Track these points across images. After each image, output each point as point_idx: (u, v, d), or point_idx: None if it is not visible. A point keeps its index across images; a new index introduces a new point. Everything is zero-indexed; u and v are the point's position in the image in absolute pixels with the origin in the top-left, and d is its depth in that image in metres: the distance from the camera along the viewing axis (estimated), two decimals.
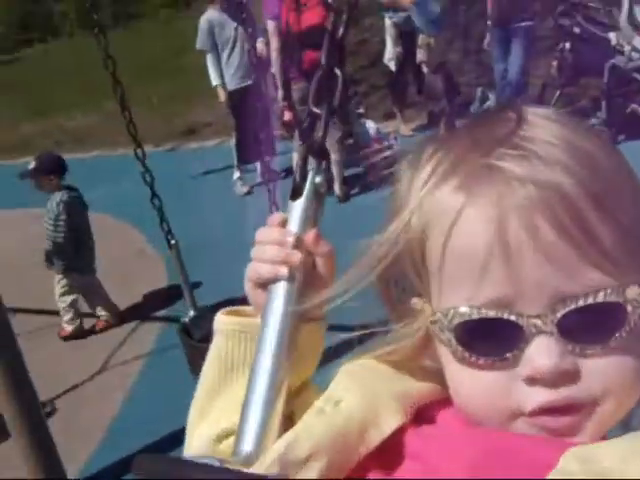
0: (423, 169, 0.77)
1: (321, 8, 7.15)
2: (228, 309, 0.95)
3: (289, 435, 0.76)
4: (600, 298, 0.68)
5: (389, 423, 0.76)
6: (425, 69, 8.83)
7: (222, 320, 0.94)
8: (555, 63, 8.04)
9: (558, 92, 8.44)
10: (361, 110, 8.60)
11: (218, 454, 0.84)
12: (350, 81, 11.20)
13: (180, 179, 9.48)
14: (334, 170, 7.67)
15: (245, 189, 8.62)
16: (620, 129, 7.66)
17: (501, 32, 8.15)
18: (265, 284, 0.87)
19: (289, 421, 0.83)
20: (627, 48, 7.39)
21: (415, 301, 0.78)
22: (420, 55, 8.70)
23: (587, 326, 0.69)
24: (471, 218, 0.70)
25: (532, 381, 0.70)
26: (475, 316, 0.71)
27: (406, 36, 8.89)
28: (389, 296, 0.83)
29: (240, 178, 8.69)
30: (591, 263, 0.68)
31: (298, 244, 0.86)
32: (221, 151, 10.12)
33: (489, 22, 8.35)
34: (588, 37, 7.63)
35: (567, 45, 7.81)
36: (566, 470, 0.65)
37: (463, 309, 0.71)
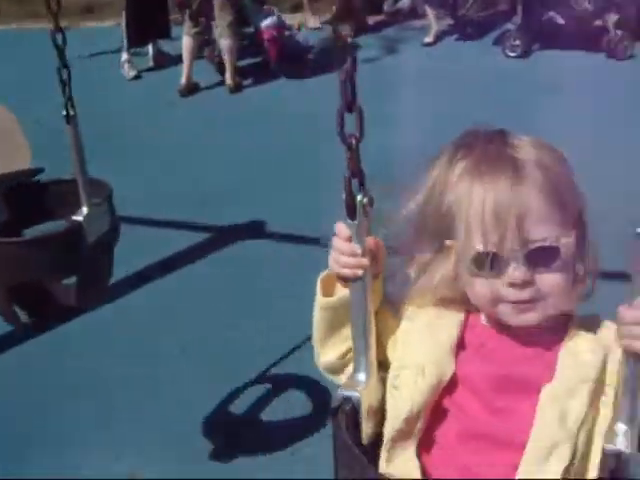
0: (456, 167, 1.30)
1: None
2: (321, 282, 1.37)
3: (403, 406, 1.30)
4: (547, 243, 1.24)
5: (452, 368, 1.31)
6: None
7: (323, 301, 1.37)
8: None
9: None
10: None
11: (346, 366, 1.39)
12: None
13: (70, 59, 8.69)
14: (225, 57, 7.05)
15: (133, 73, 7.92)
16: (535, 37, 7.20)
17: None
18: (348, 274, 1.30)
19: (378, 336, 1.36)
20: None
21: (449, 242, 1.30)
22: None
23: (540, 257, 1.25)
24: (486, 199, 1.24)
25: (511, 285, 1.26)
26: (482, 250, 1.25)
27: None
28: (426, 247, 1.34)
29: (129, 61, 7.97)
30: (546, 224, 1.25)
31: (364, 252, 1.27)
32: (118, 32, 9.37)
33: None
34: None
35: None
36: (564, 364, 1.28)
37: (477, 246, 1.25)
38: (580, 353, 1.28)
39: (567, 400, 1.25)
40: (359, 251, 1.27)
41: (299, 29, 7.83)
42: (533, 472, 1.22)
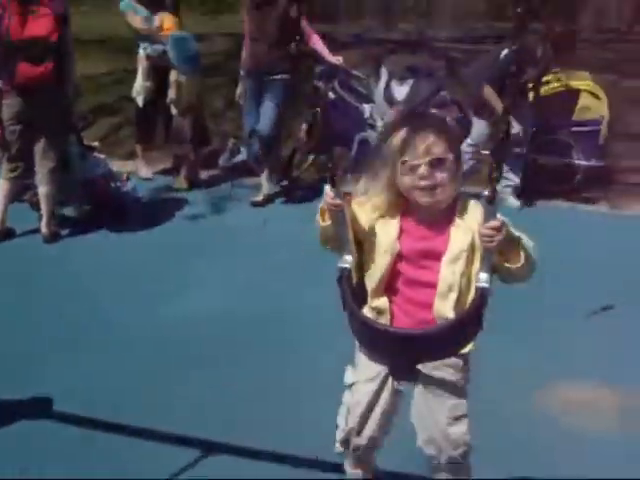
0: (400, 133, 2.58)
1: (50, 19, 6.25)
2: (320, 213, 2.57)
3: (376, 274, 2.62)
4: (441, 156, 2.50)
5: (397, 248, 2.57)
6: (174, 110, 8.07)
7: (323, 224, 2.56)
8: (304, 126, 7.52)
9: (312, 157, 7.94)
10: (95, 144, 7.65)
11: (339, 250, 2.63)
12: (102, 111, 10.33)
13: None
14: (42, 205, 6.69)
15: None
16: None
17: (254, 83, 7.51)
18: (333, 207, 2.48)
19: (354, 232, 2.64)
20: (379, 123, 7.02)
21: (392, 162, 2.58)
22: (171, 94, 7.95)
23: (436, 164, 2.49)
24: (408, 143, 2.53)
25: (420, 178, 2.49)
26: (406, 159, 2.51)
27: (159, 72, 8.12)
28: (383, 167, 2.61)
29: None
30: (439, 148, 2.50)
31: (344, 201, 2.48)
32: None
33: (242, 71, 7.68)
34: (342, 105, 7.16)
35: (319, 109, 7.30)
36: (452, 240, 2.53)
37: (404, 158, 2.52)
38: (459, 234, 2.51)
39: (455, 262, 2.49)
40: (339, 201, 2.47)
41: (128, 179, 7.56)
42: (442, 300, 2.51)
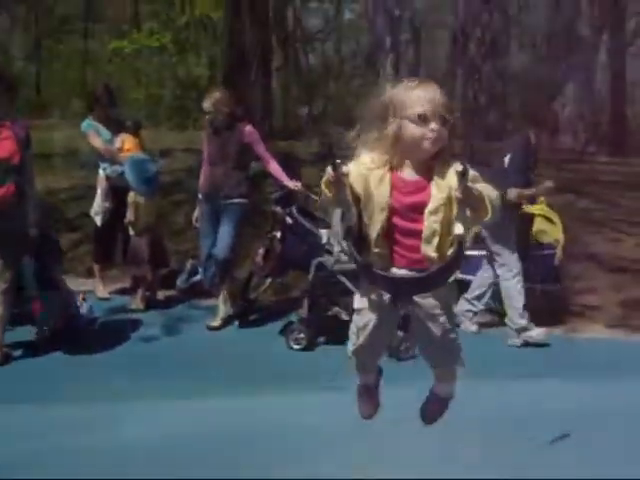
0: (407, 84, 3.01)
1: (12, 142, 6.32)
2: (324, 184, 2.94)
3: (375, 228, 3.02)
4: (446, 116, 2.90)
5: (389, 203, 2.99)
6: (132, 231, 8.10)
7: (328, 194, 2.95)
8: (261, 250, 7.56)
9: (269, 280, 7.91)
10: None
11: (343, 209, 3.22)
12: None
13: None
14: None
15: None
16: (319, 331, 7.21)
17: (211, 206, 7.59)
18: (335, 183, 2.88)
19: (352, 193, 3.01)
20: (337, 249, 7.01)
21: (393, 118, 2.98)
22: (129, 215, 8.00)
23: (442, 120, 2.89)
24: (420, 99, 2.92)
25: (431, 131, 2.88)
26: (421, 111, 2.89)
27: (118, 192, 8.20)
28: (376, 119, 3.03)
29: None
30: (446, 110, 2.91)
31: (343, 174, 2.87)
32: None
33: (199, 195, 7.76)
34: (299, 230, 7.22)
35: (277, 234, 7.38)
36: (432, 195, 2.96)
37: (418, 110, 2.89)
38: (438, 190, 2.91)
39: (436, 214, 2.92)
40: (338, 178, 2.83)
41: (84, 300, 7.49)
42: (427, 244, 2.95)
